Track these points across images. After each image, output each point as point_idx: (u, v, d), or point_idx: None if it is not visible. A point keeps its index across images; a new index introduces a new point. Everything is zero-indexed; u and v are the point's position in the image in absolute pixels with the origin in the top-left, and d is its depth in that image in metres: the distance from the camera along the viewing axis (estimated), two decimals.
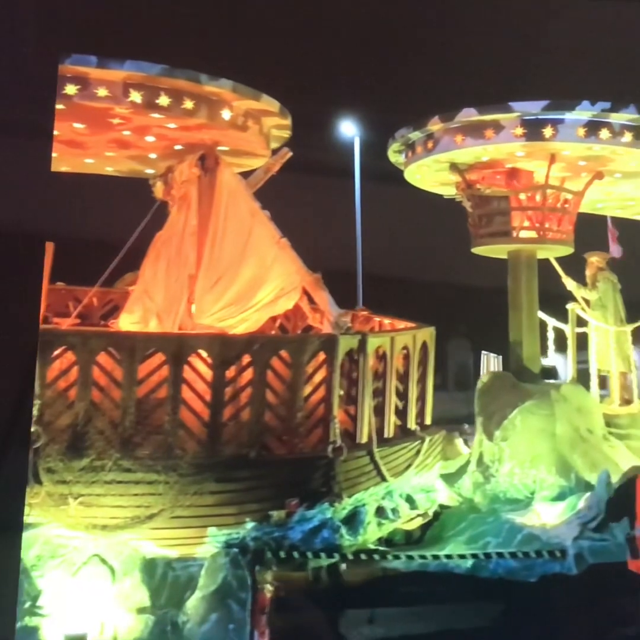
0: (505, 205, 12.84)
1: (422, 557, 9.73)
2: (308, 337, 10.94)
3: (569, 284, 14.97)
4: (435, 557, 9.72)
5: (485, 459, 11.89)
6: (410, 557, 9.72)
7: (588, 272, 15.37)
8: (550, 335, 14.36)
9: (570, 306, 13.61)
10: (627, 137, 11.83)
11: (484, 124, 11.84)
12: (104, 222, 12.74)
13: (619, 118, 11.64)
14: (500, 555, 9.56)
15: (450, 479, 12.13)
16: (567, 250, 13.49)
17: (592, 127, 11.69)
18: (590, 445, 12.04)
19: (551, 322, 14.30)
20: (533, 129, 11.63)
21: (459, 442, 12.87)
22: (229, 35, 12.28)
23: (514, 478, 11.50)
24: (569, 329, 13.77)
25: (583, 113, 11.50)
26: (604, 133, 11.71)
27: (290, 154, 11.92)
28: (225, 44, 12.04)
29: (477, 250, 13.28)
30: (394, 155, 13.52)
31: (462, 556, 9.73)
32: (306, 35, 13.06)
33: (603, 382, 14.25)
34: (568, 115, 11.57)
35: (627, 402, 14.76)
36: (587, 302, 15.18)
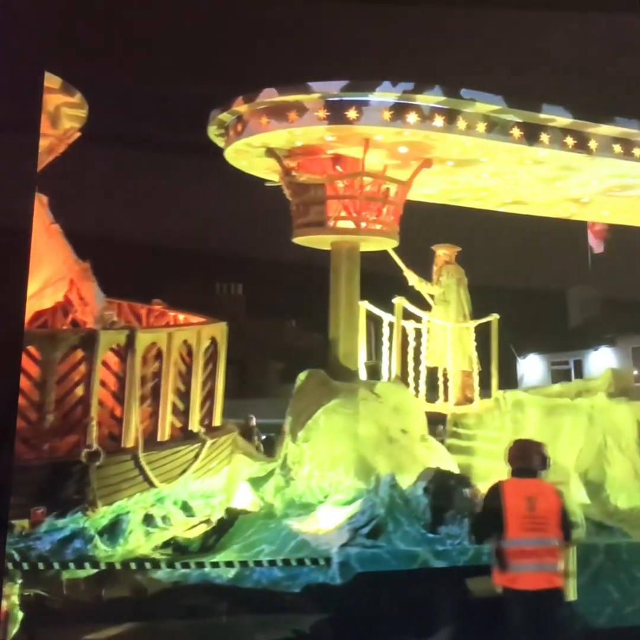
0: (321, 194, 12.33)
1: (186, 566, 9.16)
2: (60, 332, 10.32)
3: (411, 278, 14.54)
4: (200, 565, 9.16)
5: (288, 462, 11.38)
6: (171, 567, 9.14)
7: (434, 266, 14.97)
8: (385, 331, 13.82)
9: (396, 300, 13.10)
10: (439, 121, 11.38)
11: (287, 105, 11.32)
12: None
13: (425, 100, 11.18)
14: (258, 563, 9.01)
15: (257, 482, 11.62)
16: (390, 242, 13.02)
17: (399, 110, 11.21)
18: (399, 447, 11.57)
19: (386, 317, 13.80)
20: (337, 111, 11.14)
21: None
22: None
23: (312, 481, 11.01)
24: (394, 324, 13.24)
25: (385, 94, 11.02)
26: (412, 116, 11.25)
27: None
28: None
29: (298, 240, 12.76)
30: (216, 138, 12.96)
31: (229, 564, 9.18)
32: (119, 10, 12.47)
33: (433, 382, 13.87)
34: (372, 97, 11.08)
35: (469, 400, 14.36)
36: (432, 297, 14.78)
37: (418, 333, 13.67)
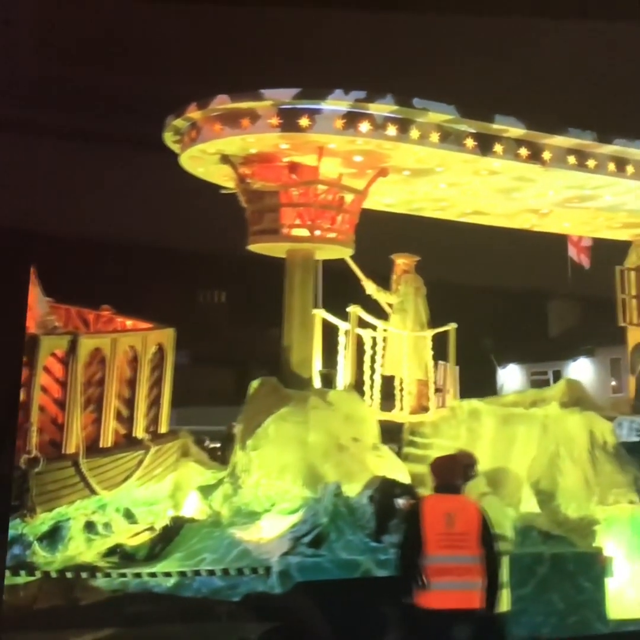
0: (275, 201, 12.31)
1: (122, 575, 9.08)
2: None
3: (369, 287, 14.55)
4: (137, 575, 9.09)
5: (237, 470, 11.33)
6: (107, 575, 9.07)
7: (393, 275, 14.99)
8: (341, 339, 13.80)
9: (351, 309, 13.09)
10: (392, 130, 11.39)
11: (240, 112, 11.30)
12: None
13: (378, 109, 11.19)
14: (197, 573, 8.96)
15: (207, 490, 11.56)
16: (345, 251, 13.02)
17: (352, 119, 11.21)
18: (349, 455, 11.54)
19: (343, 325, 13.78)
20: (289, 119, 11.13)
21: None
22: None
23: (259, 489, 10.94)
24: (349, 333, 13.22)
25: (337, 102, 11.02)
26: (365, 125, 11.26)
27: None
28: None
29: (252, 247, 12.72)
30: (173, 145, 12.91)
31: (167, 574, 9.11)
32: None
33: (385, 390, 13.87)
34: (324, 105, 11.08)
35: (424, 409, 14.37)
36: (391, 306, 14.80)
37: (375, 342, 13.66)
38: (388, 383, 14.71)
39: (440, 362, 19.80)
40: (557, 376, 28.58)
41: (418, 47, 11.84)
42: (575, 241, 19.35)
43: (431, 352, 14.47)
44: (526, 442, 13.20)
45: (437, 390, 17.41)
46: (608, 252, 18.36)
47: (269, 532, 9.77)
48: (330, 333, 14.02)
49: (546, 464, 12.66)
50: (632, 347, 17.52)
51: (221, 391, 26.30)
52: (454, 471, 7.33)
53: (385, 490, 10.06)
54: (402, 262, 14.89)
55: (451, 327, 14.81)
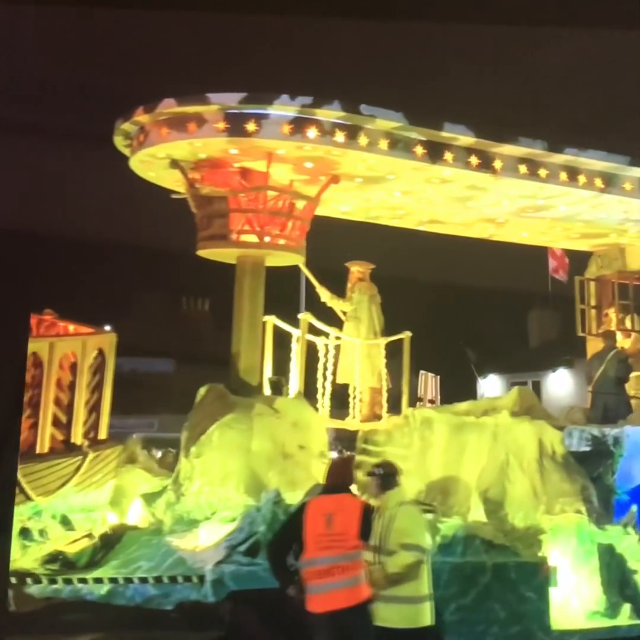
0: (224, 207, 12.24)
1: (53, 582, 8.94)
2: None
3: (323, 294, 14.52)
4: (67, 581, 8.94)
5: (180, 477, 11.21)
6: (37, 582, 8.92)
7: (348, 283, 14.96)
8: (294, 347, 13.73)
9: (301, 316, 13.04)
10: (340, 136, 11.35)
11: (187, 116, 11.22)
12: None
13: (324, 115, 11.15)
14: (128, 580, 8.83)
15: (151, 498, 11.44)
16: (296, 258, 12.97)
17: (299, 124, 11.16)
18: (294, 463, 11.47)
19: (296, 333, 13.71)
20: (236, 124, 11.07)
21: None
22: None
23: (202, 497, 10.85)
24: (299, 340, 13.15)
25: (283, 107, 10.96)
26: (312, 131, 11.21)
27: None
28: None
29: (202, 253, 12.63)
30: (124, 149, 12.81)
31: (97, 581, 8.97)
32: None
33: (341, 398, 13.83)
34: (271, 110, 11.02)
35: (377, 417, 14.32)
36: (345, 313, 14.76)
37: (327, 349, 13.61)
38: (343, 391, 14.69)
39: (422, 371, 19.88)
40: (536, 387, 28.71)
41: (374, 54, 11.85)
42: (557, 255, 19.50)
43: (384, 360, 14.42)
44: (477, 450, 13.18)
45: (418, 399, 17.42)
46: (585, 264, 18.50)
47: (206, 540, 9.67)
48: (285, 340, 13.98)
49: (496, 473, 12.63)
50: (590, 357, 17.57)
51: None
52: (342, 472, 7.27)
53: None
54: (356, 269, 14.88)
55: (405, 335, 14.80)
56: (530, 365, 30.47)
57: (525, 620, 10.34)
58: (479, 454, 13.09)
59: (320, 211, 15.04)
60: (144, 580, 8.74)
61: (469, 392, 18.40)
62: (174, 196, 12.82)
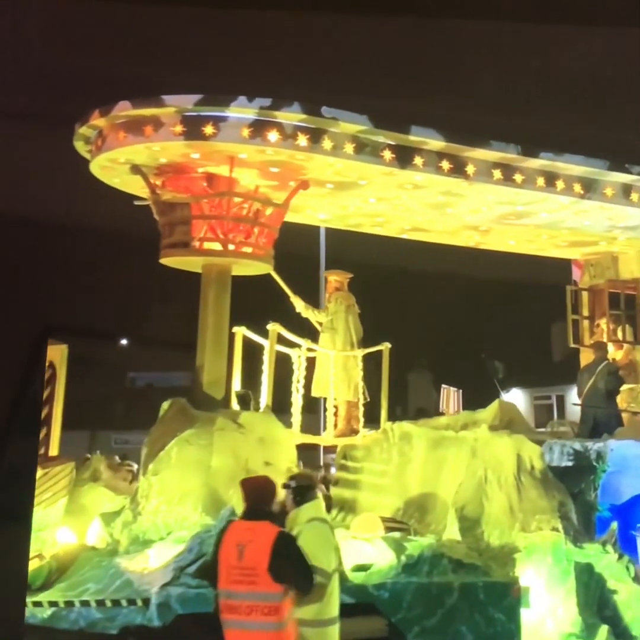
0: (187, 213, 12.02)
1: None
2: None
3: (298, 304, 14.31)
4: None
5: (138, 496, 10.97)
6: None
7: (326, 293, 14.76)
8: (265, 358, 13.49)
9: (270, 326, 12.80)
10: (303, 140, 11.14)
11: (143, 119, 11.03)
12: None
13: (284, 117, 10.94)
14: (69, 604, 8.58)
15: (110, 517, 11.20)
16: (262, 267, 12.72)
17: (259, 127, 10.95)
18: None
19: (267, 344, 13.48)
20: (193, 127, 10.87)
21: None
22: None
23: (159, 517, 10.58)
24: (268, 351, 12.91)
25: (241, 110, 10.76)
26: (274, 135, 11.00)
27: None
28: None
29: (164, 261, 12.41)
30: (86, 154, 12.63)
31: (37, 604, 8.72)
32: None
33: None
34: (229, 112, 10.82)
35: (354, 432, 14.07)
36: (321, 324, 14.54)
37: (300, 361, 13.38)
38: (318, 405, 14.47)
39: (444, 385, 19.63)
40: (560, 401, 28.33)
41: (342, 53, 11.64)
42: (581, 264, 19.25)
43: (361, 373, 14.17)
44: (455, 466, 12.92)
45: (440, 414, 17.18)
46: None
47: (156, 561, 9.41)
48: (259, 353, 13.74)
49: (473, 489, 12.34)
50: (581, 369, 17.28)
51: None
52: (260, 495, 6.80)
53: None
54: (334, 279, 14.67)
55: (385, 346, 14.55)
56: (553, 378, 30.17)
57: None
58: (457, 469, 12.82)
59: (298, 219, 14.88)
60: (85, 603, 8.48)
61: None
62: (136, 203, 12.61)
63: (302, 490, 6.99)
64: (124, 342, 12.54)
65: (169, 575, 8.75)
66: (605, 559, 11.45)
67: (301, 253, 15.36)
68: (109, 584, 9.14)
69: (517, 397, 30.25)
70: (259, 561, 6.30)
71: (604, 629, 10.94)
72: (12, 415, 4.55)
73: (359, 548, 10.36)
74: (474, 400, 17.79)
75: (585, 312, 17.79)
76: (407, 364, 32.27)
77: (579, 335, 17.85)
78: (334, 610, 6.85)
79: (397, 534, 10.96)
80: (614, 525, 11.93)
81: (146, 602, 8.53)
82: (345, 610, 9.52)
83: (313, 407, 14.46)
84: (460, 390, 19.91)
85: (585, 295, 17.96)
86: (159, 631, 8.48)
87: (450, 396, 19.04)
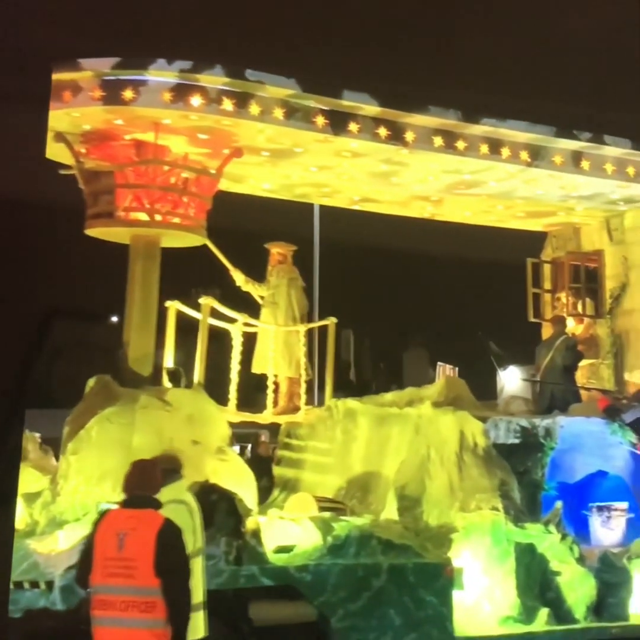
0: (111, 182, 11.76)
1: None
2: None
3: (238, 278, 14.10)
4: None
5: (58, 476, 10.79)
6: None
7: (269, 266, 14.53)
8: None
9: (202, 300, 12.59)
10: (228, 105, 10.90)
11: (62, 84, 10.75)
12: None
13: (208, 81, 10.70)
14: None
15: (31, 497, 11.02)
16: (195, 239, 12.46)
17: (181, 91, 10.71)
18: (185, 459, 10.97)
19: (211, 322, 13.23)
20: (112, 91, 10.62)
21: None
22: None
23: (77, 497, 10.41)
24: (200, 326, 12.69)
25: (160, 73, 10.51)
26: (197, 99, 10.76)
27: None
28: None
29: (90, 232, 12.14)
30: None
31: None
32: None
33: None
34: (148, 76, 10.57)
35: (295, 409, 13.90)
36: (263, 298, 14.33)
37: (240, 337, 13.18)
38: (260, 381, 14.28)
39: (440, 363, 19.44)
40: None
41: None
42: None
43: (304, 349, 13.99)
44: (398, 444, 12.81)
45: None
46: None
47: (65, 543, 9.25)
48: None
49: (415, 468, 12.24)
50: (540, 344, 17.19)
51: None
52: (141, 480, 6.40)
53: (201, 498, 9.51)
54: (276, 251, 14.42)
55: (330, 321, 14.41)
56: None
57: (425, 626, 9.95)
58: (400, 447, 12.71)
59: (242, 189, 14.67)
60: None
61: (488, 386, 18.22)
62: (62, 171, 12.32)
63: (164, 473, 6.77)
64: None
65: (74, 557, 8.57)
66: (548, 540, 11.36)
67: (293, 232, 15.14)
68: (16, 565, 8.94)
69: (514, 375, 30.19)
70: (142, 554, 5.94)
71: (543, 612, 10.87)
72: None
73: (284, 528, 10.22)
74: (471, 378, 17.72)
75: (548, 286, 17.66)
76: (402, 343, 32.24)
77: (540, 310, 17.71)
78: (197, 596, 6.61)
79: (327, 514, 10.82)
80: (559, 504, 11.82)
81: (50, 585, 8.37)
82: (266, 593, 9.51)
83: (262, 385, 14.24)
84: (457, 368, 19.82)
85: (547, 268, 17.82)
86: (63, 615, 8.33)
87: (446, 373, 18.93)
